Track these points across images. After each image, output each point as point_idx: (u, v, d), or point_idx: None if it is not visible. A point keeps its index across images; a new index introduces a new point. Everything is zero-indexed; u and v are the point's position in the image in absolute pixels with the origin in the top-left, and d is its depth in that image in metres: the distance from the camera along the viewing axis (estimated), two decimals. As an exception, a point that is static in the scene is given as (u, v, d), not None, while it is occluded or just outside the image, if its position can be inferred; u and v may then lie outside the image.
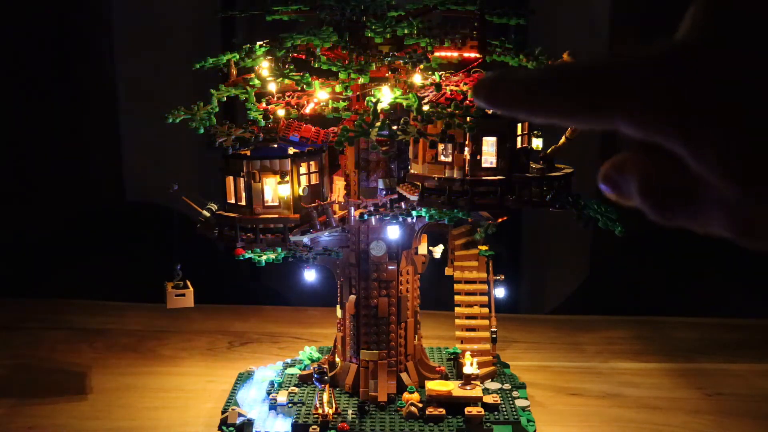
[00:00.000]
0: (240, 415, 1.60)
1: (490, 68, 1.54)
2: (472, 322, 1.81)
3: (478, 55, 1.55)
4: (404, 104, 1.46)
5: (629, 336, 2.20)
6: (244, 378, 1.80)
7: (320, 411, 1.58)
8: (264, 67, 1.52)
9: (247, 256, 1.49)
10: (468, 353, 1.71)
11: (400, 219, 1.54)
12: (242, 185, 1.51)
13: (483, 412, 1.59)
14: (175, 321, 2.19)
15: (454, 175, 1.47)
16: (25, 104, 2.54)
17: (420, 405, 1.61)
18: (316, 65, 1.47)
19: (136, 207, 2.66)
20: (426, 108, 1.43)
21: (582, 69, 0.39)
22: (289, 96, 1.57)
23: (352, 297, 1.67)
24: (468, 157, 1.46)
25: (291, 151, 1.52)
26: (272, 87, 1.51)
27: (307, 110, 1.55)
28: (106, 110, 2.61)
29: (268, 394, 1.70)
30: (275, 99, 1.54)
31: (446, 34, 1.51)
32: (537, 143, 1.53)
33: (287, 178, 1.50)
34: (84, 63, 2.58)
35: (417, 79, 1.49)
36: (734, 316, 2.32)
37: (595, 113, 0.39)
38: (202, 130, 1.44)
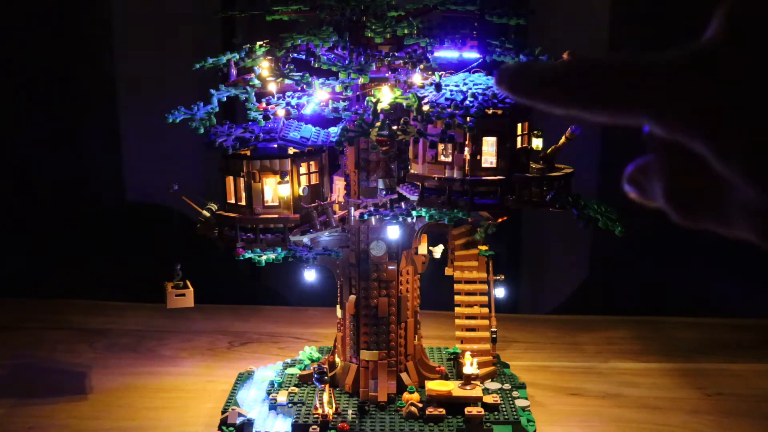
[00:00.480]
0: (240, 415, 1.60)
1: (490, 68, 1.54)
2: (472, 322, 1.81)
3: (478, 55, 1.55)
4: (404, 104, 1.46)
5: (629, 336, 2.20)
6: (244, 378, 1.80)
7: (320, 411, 1.58)
8: (264, 67, 1.52)
9: (247, 256, 1.49)
10: (468, 353, 1.71)
11: (400, 219, 1.54)
12: (242, 185, 1.51)
13: (483, 412, 1.59)
14: (175, 321, 2.19)
15: (454, 175, 1.47)
16: (25, 104, 2.54)
17: (420, 405, 1.61)
18: (316, 65, 1.47)
19: (136, 207, 2.65)
20: (426, 108, 1.43)
21: (609, 64, 0.39)
22: (289, 96, 1.57)
23: (352, 297, 1.67)
24: (468, 157, 1.46)
25: (291, 151, 1.52)
26: (272, 87, 1.51)
27: (307, 110, 1.55)
28: (106, 110, 2.61)
29: (268, 394, 1.70)
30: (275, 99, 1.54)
31: (446, 34, 1.51)
32: (537, 143, 1.53)
33: (287, 178, 1.50)
34: (84, 63, 2.58)
35: (417, 79, 1.49)
36: (734, 316, 2.32)
37: (620, 109, 0.39)
38: (202, 130, 1.44)
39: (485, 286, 1.82)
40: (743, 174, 0.36)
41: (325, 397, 1.59)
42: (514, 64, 0.42)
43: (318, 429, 1.55)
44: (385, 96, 1.46)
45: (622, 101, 0.39)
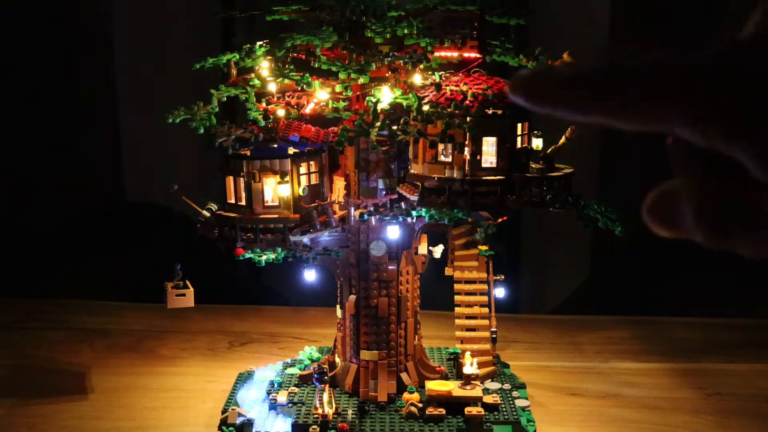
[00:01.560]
0: (240, 415, 1.60)
1: (490, 68, 1.54)
2: (472, 322, 1.81)
3: (478, 55, 1.55)
4: (404, 104, 1.46)
5: (629, 336, 2.20)
6: (244, 378, 1.80)
7: (320, 411, 1.58)
8: (264, 67, 1.52)
9: (247, 256, 1.49)
10: (468, 353, 1.71)
11: (400, 219, 1.54)
12: (242, 185, 1.51)
13: (483, 412, 1.59)
14: (175, 321, 2.19)
15: (454, 175, 1.47)
16: (25, 104, 2.54)
17: (420, 405, 1.61)
18: (316, 65, 1.47)
19: (136, 207, 2.65)
20: (426, 108, 1.43)
21: (636, 67, 0.35)
22: (289, 96, 1.57)
23: (352, 297, 1.67)
24: (468, 157, 1.46)
25: (291, 151, 1.52)
26: (272, 87, 1.51)
27: (307, 110, 1.55)
28: (106, 110, 2.61)
29: (268, 394, 1.70)
30: (275, 99, 1.54)
31: (446, 34, 1.51)
32: (537, 143, 1.53)
33: (287, 178, 1.50)
34: (84, 63, 2.58)
35: (417, 79, 1.49)
36: (734, 316, 2.32)
37: (650, 116, 0.36)
38: (202, 130, 1.44)
39: (485, 286, 1.82)
40: None
41: (325, 397, 1.59)
42: (528, 72, 0.38)
43: (318, 429, 1.55)
44: (385, 96, 1.46)
45: (655, 105, 0.35)
